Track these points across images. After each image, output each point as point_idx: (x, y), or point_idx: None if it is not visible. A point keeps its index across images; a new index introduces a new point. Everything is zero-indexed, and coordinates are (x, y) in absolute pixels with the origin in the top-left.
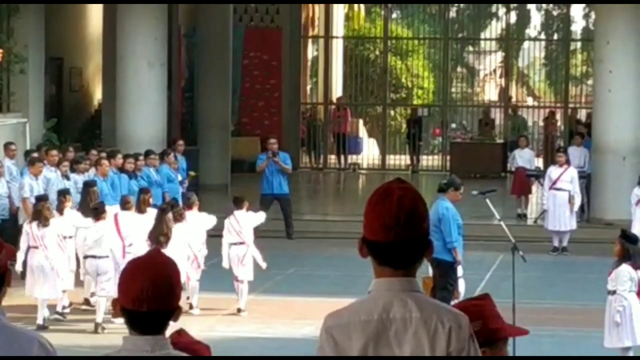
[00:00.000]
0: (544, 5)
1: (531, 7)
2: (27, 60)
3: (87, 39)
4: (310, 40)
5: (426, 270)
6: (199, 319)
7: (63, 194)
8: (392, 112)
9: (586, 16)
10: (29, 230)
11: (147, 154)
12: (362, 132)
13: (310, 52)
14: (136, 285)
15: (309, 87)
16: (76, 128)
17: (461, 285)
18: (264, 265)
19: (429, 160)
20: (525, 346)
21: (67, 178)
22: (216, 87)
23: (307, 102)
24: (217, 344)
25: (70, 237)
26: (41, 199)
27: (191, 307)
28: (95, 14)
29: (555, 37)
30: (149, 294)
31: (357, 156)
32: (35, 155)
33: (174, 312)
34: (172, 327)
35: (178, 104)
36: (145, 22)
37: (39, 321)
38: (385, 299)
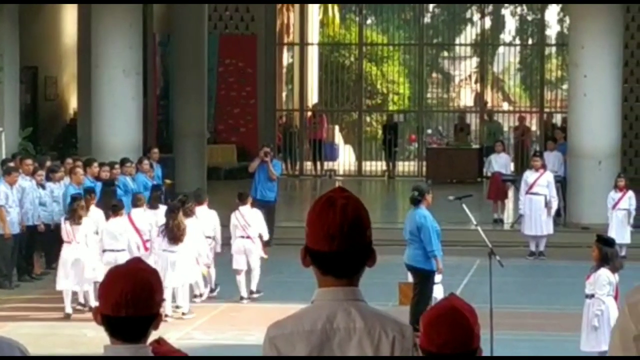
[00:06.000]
0: (518, 11)
1: (506, 12)
2: (2, 69)
3: (61, 47)
4: (285, 47)
5: (405, 276)
6: (177, 327)
7: (89, 192)
8: (367, 119)
9: (560, 21)
10: (64, 226)
11: (123, 162)
12: (338, 138)
13: (286, 59)
14: (115, 290)
15: (284, 94)
16: (52, 137)
17: (439, 291)
18: (265, 255)
19: (405, 166)
20: (502, 350)
21: (43, 187)
22: (191, 95)
23: (283, 109)
24: (196, 351)
25: (96, 232)
26: (76, 198)
27: (201, 295)
28: (69, 23)
29: (530, 42)
30: (128, 299)
31: (333, 163)
32: (11, 164)
33: (154, 318)
34: (152, 336)
35: (153, 112)
36: (120, 30)
37: (68, 310)
38: (329, 309)
